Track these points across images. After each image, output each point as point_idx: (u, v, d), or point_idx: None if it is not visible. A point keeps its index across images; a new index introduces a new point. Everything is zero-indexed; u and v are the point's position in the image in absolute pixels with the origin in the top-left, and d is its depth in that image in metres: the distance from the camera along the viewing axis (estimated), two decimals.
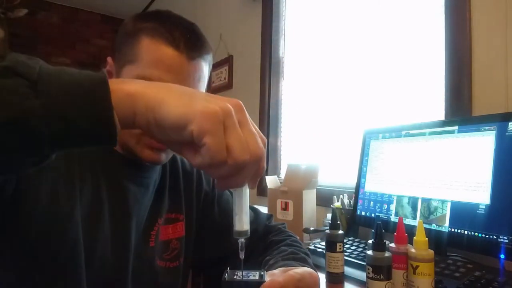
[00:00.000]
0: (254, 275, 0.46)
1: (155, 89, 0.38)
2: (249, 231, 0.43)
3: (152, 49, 0.63)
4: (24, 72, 0.33)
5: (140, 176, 0.69)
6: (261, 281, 0.43)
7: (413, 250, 0.66)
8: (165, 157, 0.67)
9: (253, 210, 0.87)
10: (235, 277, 0.46)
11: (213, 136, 0.35)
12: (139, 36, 0.64)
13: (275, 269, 0.58)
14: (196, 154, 0.37)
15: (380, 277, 0.65)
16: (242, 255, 0.45)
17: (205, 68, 0.69)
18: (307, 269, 0.57)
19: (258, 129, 0.40)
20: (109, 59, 0.70)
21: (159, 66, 0.62)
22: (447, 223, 0.89)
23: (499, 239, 0.78)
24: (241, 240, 0.43)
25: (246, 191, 0.42)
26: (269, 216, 0.92)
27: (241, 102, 0.40)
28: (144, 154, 0.64)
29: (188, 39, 0.64)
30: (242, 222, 0.42)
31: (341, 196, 1.26)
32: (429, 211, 0.94)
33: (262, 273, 0.47)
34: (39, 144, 0.34)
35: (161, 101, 0.37)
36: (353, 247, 1.01)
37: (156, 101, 0.37)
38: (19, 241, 0.53)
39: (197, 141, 0.36)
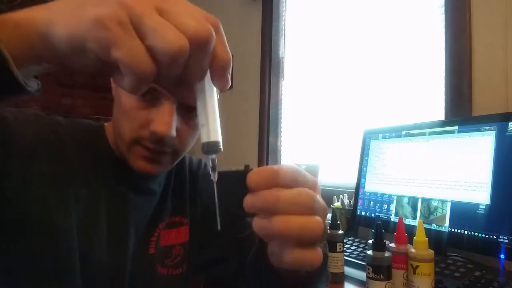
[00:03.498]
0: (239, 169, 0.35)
1: (43, 10, 0.31)
2: (221, 144, 0.33)
3: None
4: None
5: (143, 184, 0.66)
6: (246, 170, 0.33)
7: (413, 250, 0.66)
8: (160, 168, 0.61)
9: None
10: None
11: (119, 45, 0.27)
12: None
13: None
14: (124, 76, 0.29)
15: (380, 277, 0.65)
16: (214, 177, 0.34)
17: None
18: None
19: (198, 9, 0.30)
20: None
21: None
22: (447, 223, 0.89)
23: (499, 239, 0.78)
24: (212, 156, 0.33)
25: (211, 90, 0.32)
26: None
27: None
28: (136, 164, 0.59)
29: None
30: (211, 131, 0.32)
31: (341, 196, 1.26)
32: (429, 211, 0.94)
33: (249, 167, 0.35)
34: None
35: (49, 24, 0.30)
36: (353, 247, 1.01)
37: (45, 26, 0.30)
38: (8, 250, 0.52)
39: (108, 60, 0.28)
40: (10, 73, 0.31)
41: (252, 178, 0.32)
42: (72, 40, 0.29)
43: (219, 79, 0.31)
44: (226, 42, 0.31)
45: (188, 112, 0.59)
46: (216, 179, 0.35)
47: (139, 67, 0.27)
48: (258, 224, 0.32)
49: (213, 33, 0.29)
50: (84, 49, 0.28)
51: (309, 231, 0.31)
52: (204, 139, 0.33)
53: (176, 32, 0.27)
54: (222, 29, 0.31)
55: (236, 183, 0.33)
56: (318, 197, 0.33)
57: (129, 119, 0.58)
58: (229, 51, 0.31)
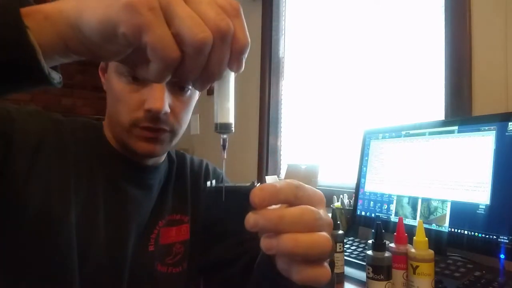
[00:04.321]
0: (244, 185, 0.38)
1: (72, 1, 0.32)
2: (233, 125, 0.34)
3: None
4: None
5: (142, 178, 0.67)
6: (251, 186, 0.35)
7: (413, 250, 0.66)
8: (160, 148, 0.63)
9: None
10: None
11: (150, 30, 0.27)
12: None
13: None
14: (149, 64, 0.30)
15: (380, 277, 0.65)
16: (224, 154, 0.37)
17: None
18: None
19: None
20: None
21: None
22: (447, 223, 0.89)
23: (499, 239, 0.78)
24: (223, 136, 0.35)
25: (229, 77, 0.34)
26: None
27: None
28: (137, 146, 0.61)
29: None
30: (224, 112, 0.34)
31: (341, 196, 1.26)
32: (429, 211, 0.94)
33: (255, 183, 0.38)
34: None
35: (79, 13, 0.30)
36: (353, 247, 1.01)
37: (75, 15, 0.30)
38: (8, 244, 0.52)
39: (138, 46, 0.29)
40: (37, 62, 0.31)
41: (257, 194, 0.32)
42: (103, 25, 0.29)
43: (234, 62, 0.31)
44: (245, 25, 0.31)
45: (179, 89, 0.62)
46: (225, 156, 0.37)
47: (168, 53, 0.28)
48: (266, 243, 0.32)
49: (231, 26, 0.30)
50: (116, 34, 0.29)
51: (317, 248, 0.32)
52: (218, 120, 0.34)
53: (201, 23, 0.28)
54: (242, 13, 0.31)
55: (240, 199, 0.34)
56: (322, 212, 0.33)
57: (124, 104, 0.61)
58: (248, 35, 0.31)
